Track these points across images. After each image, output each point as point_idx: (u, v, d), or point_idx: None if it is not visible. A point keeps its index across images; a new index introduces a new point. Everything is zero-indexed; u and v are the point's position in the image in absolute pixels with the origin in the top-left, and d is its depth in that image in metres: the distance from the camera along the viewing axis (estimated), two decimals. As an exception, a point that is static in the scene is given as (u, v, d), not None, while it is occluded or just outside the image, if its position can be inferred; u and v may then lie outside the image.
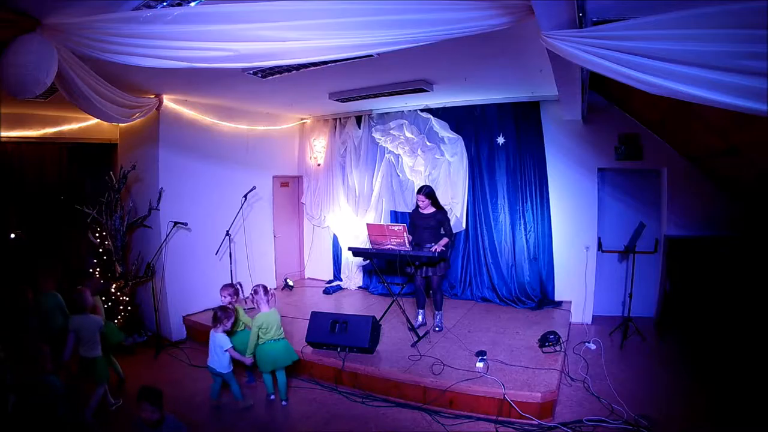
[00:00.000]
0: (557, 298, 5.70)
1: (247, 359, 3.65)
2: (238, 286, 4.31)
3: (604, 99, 5.23)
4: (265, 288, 3.77)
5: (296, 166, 7.45)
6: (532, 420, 3.32)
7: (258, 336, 3.64)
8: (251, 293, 3.78)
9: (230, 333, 3.77)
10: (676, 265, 4.95)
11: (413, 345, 4.36)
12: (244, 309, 4.28)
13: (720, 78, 1.62)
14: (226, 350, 3.55)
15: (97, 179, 5.72)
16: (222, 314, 3.64)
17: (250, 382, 4.14)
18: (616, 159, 5.37)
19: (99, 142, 6.02)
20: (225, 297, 4.02)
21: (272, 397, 3.84)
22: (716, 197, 5.00)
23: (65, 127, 5.77)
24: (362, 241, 6.30)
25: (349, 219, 6.84)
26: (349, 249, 5.06)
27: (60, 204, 5.75)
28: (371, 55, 3.57)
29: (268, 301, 3.74)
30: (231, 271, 5.68)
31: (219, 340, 3.58)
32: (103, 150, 6.07)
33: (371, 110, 6.54)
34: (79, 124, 5.82)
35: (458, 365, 3.90)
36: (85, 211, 5.02)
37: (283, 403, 3.76)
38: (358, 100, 5.55)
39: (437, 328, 4.83)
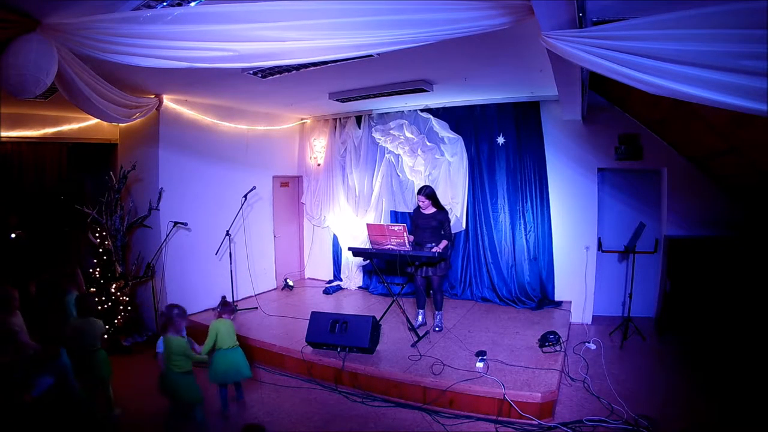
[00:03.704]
0: (557, 298, 5.70)
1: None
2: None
3: (604, 99, 5.23)
4: (167, 316, 3.17)
5: (296, 166, 7.45)
6: (532, 420, 3.32)
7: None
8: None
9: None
10: (676, 265, 4.94)
11: (413, 345, 4.36)
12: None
13: (720, 78, 1.62)
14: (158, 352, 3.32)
15: (97, 179, 5.72)
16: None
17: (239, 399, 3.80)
18: (616, 159, 5.37)
19: (99, 142, 6.01)
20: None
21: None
22: (716, 197, 5.00)
23: (65, 127, 5.77)
24: (362, 241, 6.30)
25: (349, 219, 6.84)
26: (349, 249, 5.06)
27: (60, 204, 5.75)
28: (371, 55, 3.57)
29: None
30: (231, 271, 5.68)
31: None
32: (103, 150, 6.07)
33: (371, 110, 6.54)
34: (79, 124, 5.82)
35: (458, 365, 3.90)
36: (85, 211, 5.02)
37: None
38: (358, 100, 5.55)
39: (437, 328, 4.83)
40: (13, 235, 5.05)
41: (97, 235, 5.18)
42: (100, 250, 5.18)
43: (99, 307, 4.92)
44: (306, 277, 7.55)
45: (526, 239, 5.77)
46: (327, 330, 4.27)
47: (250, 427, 2.40)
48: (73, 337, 3.42)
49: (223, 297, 3.96)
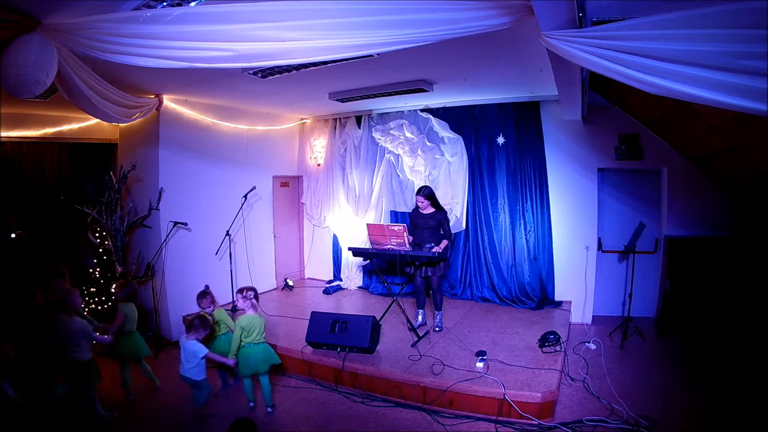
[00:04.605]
0: (557, 298, 5.70)
1: (230, 360, 3.54)
2: (210, 290, 4.15)
3: (604, 99, 5.23)
4: (255, 293, 3.73)
5: (296, 166, 7.45)
6: (532, 420, 3.32)
7: (240, 338, 3.55)
8: (240, 295, 3.70)
9: (211, 337, 3.76)
10: (676, 265, 4.95)
11: (413, 345, 4.36)
12: (227, 311, 4.18)
13: (720, 78, 1.62)
14: (203, 357, 3.39)
15: (97, 179, 5.72)
16: (199, 323, 3.46)
17: (224, 388, 4.05)
18: (616, 159, 5.38)
19: (99, 142, 6.02)
20: (207, 306, 3.96)
21: (252, 404, 3.69)
22: (716, 197, 5.00)
23: (65, 127, 5.77)
24: (362, 241, 6.30)
25: (349, 219, 6.84)
26: (349, 249, 5.06)
27: (60, 204, 5.75)
28: (371, 55, 3.57)
29: (254, 306, 3.67)
30: (231, 271, 5.67)
31: (192, 347, 3.39)
32: (103, 150, 6.07)
33: (371, 110, 6.54)
34: (79, 124, 5.82)
35: (458, 365, 3.90)
36: (85, 211, 5.02)
37: (269, 410, 3.61)
38: (358, 100, 5.55)
39: (437, 328, 4.83)
40: (13, 235, 5.05)
41: (97, 235, 5.19)
42: (100, 250, 5.19)
43: (99, 308, 4.94)
44: (306, 277, 7.55)
45: (526, 239, 5.77)
46: (327, 330, 4.27)
47: (241, 421, 2.39)
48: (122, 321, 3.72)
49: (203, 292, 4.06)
